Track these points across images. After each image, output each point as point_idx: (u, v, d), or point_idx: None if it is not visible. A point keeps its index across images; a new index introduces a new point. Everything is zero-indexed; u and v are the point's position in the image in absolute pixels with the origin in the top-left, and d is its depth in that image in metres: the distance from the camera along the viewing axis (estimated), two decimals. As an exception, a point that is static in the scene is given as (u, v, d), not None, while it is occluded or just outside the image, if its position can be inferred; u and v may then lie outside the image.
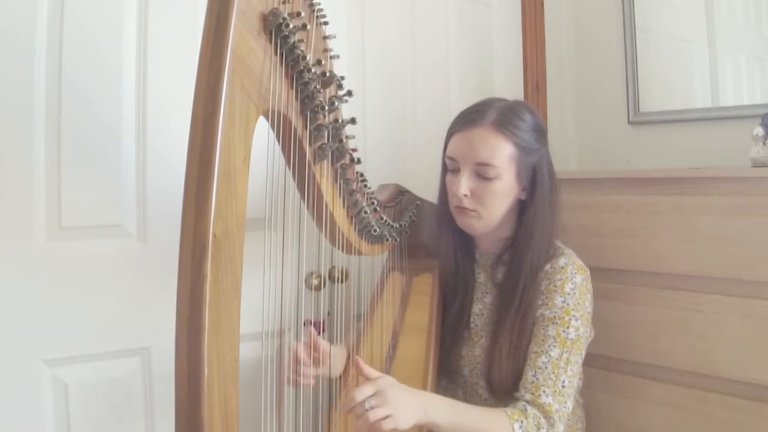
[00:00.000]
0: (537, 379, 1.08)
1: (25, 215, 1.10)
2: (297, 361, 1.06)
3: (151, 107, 1.22)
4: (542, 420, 1.04)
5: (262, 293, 0.88)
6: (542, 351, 1.10)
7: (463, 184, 1.15)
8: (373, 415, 0.89)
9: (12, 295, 1.09)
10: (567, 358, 1.09)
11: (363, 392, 0.90)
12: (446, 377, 1.25)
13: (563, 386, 1.07)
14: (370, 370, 0.97)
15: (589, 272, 1.19)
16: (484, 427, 1.00)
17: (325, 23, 0.87)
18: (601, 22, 1.88)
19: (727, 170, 1.35)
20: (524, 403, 1.06)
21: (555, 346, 1.09)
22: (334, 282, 1.38)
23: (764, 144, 1.37)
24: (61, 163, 1.13)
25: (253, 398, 0.83)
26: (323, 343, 1.11)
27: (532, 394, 1.06)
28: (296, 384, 1.06)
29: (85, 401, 1.16)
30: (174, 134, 1.17)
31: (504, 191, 1.16)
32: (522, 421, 1.01)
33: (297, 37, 0.77)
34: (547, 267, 1.17)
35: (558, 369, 1.08)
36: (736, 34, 1.66)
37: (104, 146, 1.19)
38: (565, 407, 1.07)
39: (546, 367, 1.08)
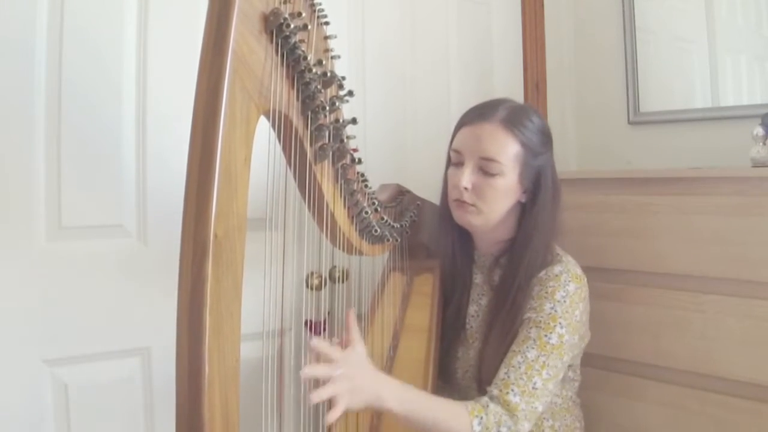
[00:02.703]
0: (508, 376, 1.06)
1: (25, 215, 1.10)
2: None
3: (151, 107, 1.22)
4: (504, 417, 1.02)
5: (263, 293, 0.88)
6: (519, 351, 1.09)
7: (466, 177, 1.15)
8: (330, 389, 0.87)
9: (12, 295, 1.09)
10: (544, 362, 1.07)
11: (321, 368, 0.88)
12: (442, 378, 1.24)
13: (534, 387, 1.05)
14: (356, 332, 0.97)
15: (585, 281, 1.18)
16: (441, 419, 0.98)
17: (326, 23, 0.87)
18: (601, 22, 1.88)
19: (727, 170, 1.35)
20: (487, 399, 1.04)
21: (533, 348, 1.08)
22: (334, 282, 1.38)
23: (764, 144, 1.37)
24: (61, 163, 1.13)
25: (253, 398, 0.83)
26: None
27: (500, 390, 1.05)
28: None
29: (85, 401, 1.16)
30: (174, 134, 1.17)
31: (505, 189, 1.16)
32: (482, 417, 1.00)
33: (298, 37, 0.77)
34: (542, 273, 1.16)
35: (531, 370, 1.06)
36: (736, 34, 1.66)
37: (104, 146, 1.18)
38: (532, 407, 1.05)
39: (519, 367, 1.07)
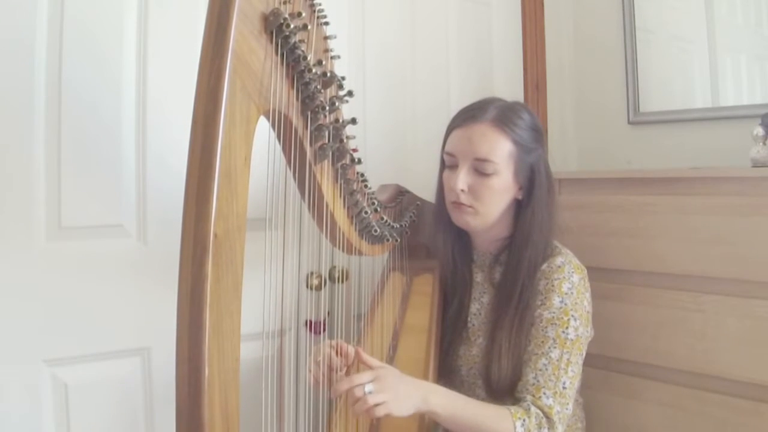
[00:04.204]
0: (538, 380, 1.08)
1: (25, 215, 1.10)
2: (331, 368, 1.06)
3: (151, 107, 1.22)
4: (544, 420, 1.04)
5: (263, 293, 0.88)
6: (542, 353, 1.10)
7: (461, 179, 1.16)
8: (371, 400, 0.90)
9: (12, 295, 1.09)
10: (567, 359, 1.09)
11: (361, 378, 0.92)
12: (443, 377, 1.25)
13: (564, 387, 1.07)
14: (371, 360, 0.99)
15: (586, 271, 1.20)
16: (484, 421, 1.00)
17: (326, 23, 0.87)
18: (601, 22, 1.88)
19: (727, 170, 1.35)
20: (528, 402, 1.06)
21: (555, 348, 1.10)
22: (334, 282, 1.38)
23: (764, 144, 1.37)
24: (61, 163, 1.13)
25: (253, 398, 0.83)
26: (350, 349, 1.12)
27: (533, 395, 1.06)
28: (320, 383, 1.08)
29: (85, 401, 1.16)
30: (174, 134, 1.17)
31: (501, 188, 1.16)
32: (524, 420, 1.01)
33: (298, 37, 0.77)
34: (544, 266, 1.17)
35: (558, 370, 1.08)
36: (736, 34, 1.66)
37: (104, 146, 1.18)
38: (566, 409, 1.07)
39: (546, 369, 1.08)
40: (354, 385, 0.91)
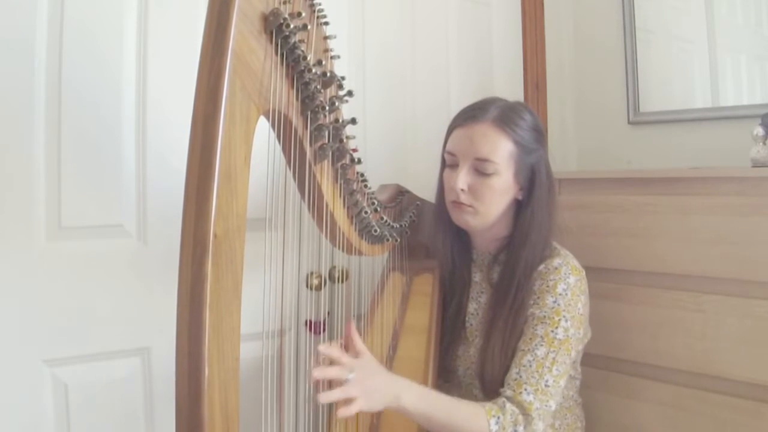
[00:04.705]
0: (520, 376, 1.07)
1: (25, 215, 1.10)
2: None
3: (151, 107, 1.22)
4: (520, 417, 1.03)
5: (263, 293, 0.88)
6: (528, 349, 1.10)
7: (461, 179, 1.16)
8: (343, 393, 0.88)
9: (12, 295, 1.09)
10: (553, 358, 1.09)
11: (338, 370, 0.90)
12: (442, 377, 1.25)
13: (546, 385, 1.07)
14: (359, 343, 0.97)
15: (584, 273, 1.19)
16: (458, 419, 0.99)
17: (326, 23, 0.87)
18: (601, 22, 1.88)
19: (727, 170, 1.35)
20: (504, 399, 1.05)
21: (542, 346, 1.09)
22: (334, 282, 1.38)
23: (764, 144, 1.37)
24: (61, 163, 1.13)
25: (253, 398, 0.83)
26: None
27: (514, 390, 1.06)
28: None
29: (85, 401, 1.16)
30: (174, 134, 1.17)
31: (502, 188, 1.16)
32: (499, 417, 1.01)
33: (298, 37, 0.77)
34: (541, 267, 1.17)
35: (542, 368, 1.08)
36: (736, 34, 1.66)
37: (104, 146, 1.19)
38: (546, 406, 1.06)
39: (530, 366, 1.08)
40: (330, 376, 0.89)
